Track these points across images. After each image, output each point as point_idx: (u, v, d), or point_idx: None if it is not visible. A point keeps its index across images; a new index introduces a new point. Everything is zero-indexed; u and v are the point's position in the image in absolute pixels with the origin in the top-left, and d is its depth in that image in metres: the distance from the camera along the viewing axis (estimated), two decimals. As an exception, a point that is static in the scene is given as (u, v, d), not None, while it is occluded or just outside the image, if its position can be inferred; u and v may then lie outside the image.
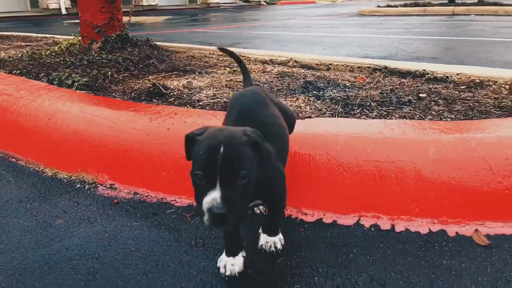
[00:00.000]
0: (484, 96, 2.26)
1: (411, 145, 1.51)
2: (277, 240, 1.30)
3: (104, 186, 1.82)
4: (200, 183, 0.90)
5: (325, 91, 2.56)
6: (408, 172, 1.45)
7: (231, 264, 1.20)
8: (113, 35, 3.66)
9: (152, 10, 17.51)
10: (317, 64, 3.38)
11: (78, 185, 1.86)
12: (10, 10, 14.40)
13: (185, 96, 2.51)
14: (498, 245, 1.31)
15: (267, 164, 1.02)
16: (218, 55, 4.05)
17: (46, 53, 3.68)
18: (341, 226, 1.44)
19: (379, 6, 14.03)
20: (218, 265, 1.23)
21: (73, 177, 1.92)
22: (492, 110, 2.04)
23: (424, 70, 2.77)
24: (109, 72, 3.03)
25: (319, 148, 1.54)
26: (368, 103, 2.24)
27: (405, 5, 13.34)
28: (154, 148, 1.74)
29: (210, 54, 4.18)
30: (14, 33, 7.22)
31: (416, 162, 1.46)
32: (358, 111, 2.11)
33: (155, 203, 1.67)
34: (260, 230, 1.32)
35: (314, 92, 2.55)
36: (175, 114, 1.88)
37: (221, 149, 0.89)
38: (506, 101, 2.15)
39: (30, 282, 1.22)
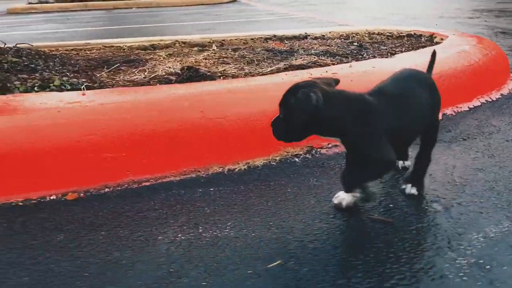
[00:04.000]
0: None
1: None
2: None
3: (326, 148, 1.87)
4: None
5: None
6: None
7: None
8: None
9: None
10: (209, 42, 3.67)
11: (294, 159, 1.81)
12: None
13: (215, 75, 2.44)
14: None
15: None
16: (106, 47, 3.36)
17: None
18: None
19: (30, 3, 12.82)
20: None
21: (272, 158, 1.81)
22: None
23: (306, 33, 3.81)
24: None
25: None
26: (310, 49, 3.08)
27: (64, 1, 12.90)
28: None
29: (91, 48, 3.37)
30: None
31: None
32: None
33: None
34: None
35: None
36: (311, 74, 2.12)
37: None
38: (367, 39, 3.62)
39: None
